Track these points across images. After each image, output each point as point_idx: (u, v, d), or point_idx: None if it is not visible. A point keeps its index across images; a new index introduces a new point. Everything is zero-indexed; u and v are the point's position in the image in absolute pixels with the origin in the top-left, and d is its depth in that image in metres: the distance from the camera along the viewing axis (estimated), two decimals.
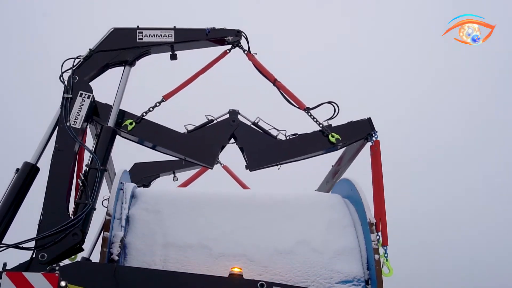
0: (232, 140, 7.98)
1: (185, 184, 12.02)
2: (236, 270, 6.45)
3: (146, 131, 7.76)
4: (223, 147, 7.93)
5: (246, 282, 6.32)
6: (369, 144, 8.17)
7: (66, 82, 7.43)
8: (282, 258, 7.50)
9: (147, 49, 8.05)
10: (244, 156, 7.87)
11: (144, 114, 7.77)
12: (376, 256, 7.37)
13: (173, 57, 8.28)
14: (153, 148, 7.95)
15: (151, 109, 7.83)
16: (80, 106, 7.32)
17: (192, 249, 7.46)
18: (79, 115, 7.26)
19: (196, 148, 7.76)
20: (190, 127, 7.90)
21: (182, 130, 7.90)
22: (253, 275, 7.02)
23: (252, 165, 7.79)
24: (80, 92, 7.39)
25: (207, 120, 7.96)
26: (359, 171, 8.27)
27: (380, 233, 7.49)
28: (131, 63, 7.95)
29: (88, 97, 7.38)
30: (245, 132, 7.94)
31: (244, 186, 11.84)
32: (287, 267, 7.42)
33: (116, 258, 6.99)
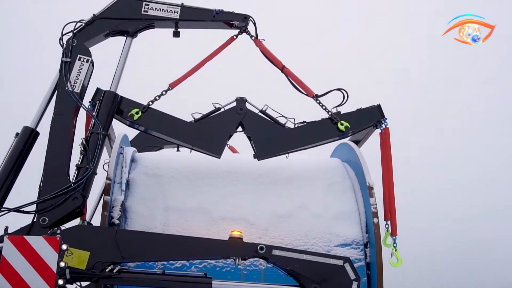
0: (240, 129, 7.82)
1: None
2: (236, 233, 6.48)
3: (153, 120, 7.59)
4: (230, 135, 7.78)
5: (246, 245, 6.37)
6: (378, 131, 8.03)
7: (65, 46, 7.38)
8: (282, 221, 7.56)
9: (150, 22, 7.88)
10: (252, 145, 7.73)
11: (151, 103, 7.59)
12: (375, 220, 7.41)
13: (176, 34, 8.05)
14: (160, 137, 7.85)
15: (157, 97, 7.65)
16: (79, 70, 7.25)
17: (192, 213, 7.52)
18: (78, 79, 7.21)
19: (203, 137, 7.59)
20: (197, 115, 7.73)
21: (189, 118, 7.76)
22: (253, 238, 7.08)
23: (260, 154, 7.65)
24: (79, 56, 7.32)
25: (214, 108, 7.77)
26: (367, 159, 8.18)
27: (389, 222, 7.47)
28: (133, 35, 7.82)
29: (87, 61, 7.32)
30: (253, 121, 7.74)
31: None
32: (287, 230, 7.49)
33: (117, 222, 7.05)
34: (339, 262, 6.36)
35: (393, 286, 8.02)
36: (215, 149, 7.56)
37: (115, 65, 7.61)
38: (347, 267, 6.34)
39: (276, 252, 6.30)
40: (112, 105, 7.22)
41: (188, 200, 7.66)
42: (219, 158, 7.55)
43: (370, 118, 7.95)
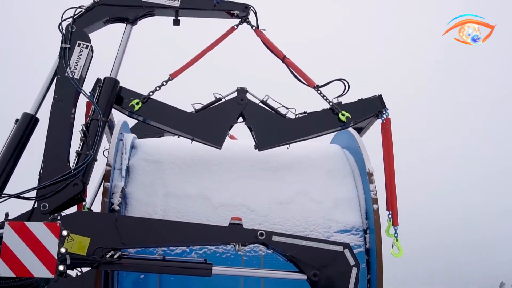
0: (241, 119, 7.73)
1: None
2: (236, 219, 6.49)
3: (153, 111, 7.54)
4: (231, 126, 7.72)
5: (245, 231, 6.39)
6: (379, 121, 7.98)
7: (64, 32, 7.34)
8: (282, 208, 7.58)
9: (150, 10, 7.81)
10: (252, 136, 7.70)
11: (151, 93, 7.52)
12: (375, 206, 7.43)
13: (176, 22, 7.97)
14: (160, 128, 7.80)
15: (158, 88, 7.58)
16: (78, 56, 7.23)
17: (192, 199, 7.53)
18: (77, 65, 7.19)
19: (204, 128, 7.54)
20: (198, 106, 7.65)
21: (190, 109, 7.69)
22: (253, 225, 7.09)
23: (261, 145, 7.61)
24: (78, 42, 7.28)
25: (215, 98, 7.68)
26: (367, 146, 8.15)
27: (391, 213, 7.47)
28: (133, 22, 7.75)
29: (87, 47, 7.29)
30: (254, 111, 7.67)
31: None
32: (286, 216, 7.50)
33: (117, 208, 7.06)
34: (339, 248, 6.40)
35: (392, 272, 8.06)
36: (216, 140, 7.51)
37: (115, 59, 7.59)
38: (347, 253, 6.37)
39: (276, 238, 6.32)
40: (112, 92, 7.20)
41: (188, 186, 7.67)
42: (220, 149, 7.51)
43: (371, 109, 7.90)
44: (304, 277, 6.32)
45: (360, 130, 8.42)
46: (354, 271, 6.32)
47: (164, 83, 7.61)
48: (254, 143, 7.62)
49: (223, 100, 7.65)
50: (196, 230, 6.48)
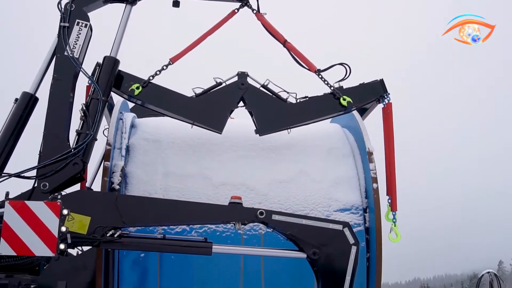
0: (241, 104, 7.71)
1: None
2: (236, 198, 6.50)
3: (153, 96, 7.48)
4: (231, 111, 7.67)
5: (245, 210, 6.41)
6: (381, 106, 7.92)
7: (63, 10, 7.28)
8: (282, 186, 7.59)
9: None
10: (253, 120, 7.67)
11: (151, 78, 7.47)
12: (375, 185, 7.45)
13: (176, 4, 7.87)
14: (160, 112, 7.72)
15: (158, 72, 7.53)
16: (77, 35, 7.18)
17: (192, 178, 7.54)
18: (76, 44, 7.15)
19: (205, 112, 7.50)
20: (198, 90, 7.60)
21: (190, 93, 7.63)
22: (253, 204, 7.11)
23: (261, 130, 7.59)
24: (77, 20, 7.23)
25: (215, 83, 7.64)
26: (368, 128, 8.12)
27: (390, 197, 7.45)
28: (132, 2, 7.67)
29: (85, 26, 7.23)
30: (255, 96, 7.63)
31: None
32: (286, 195, 7.52)
33: (117, 187, 7.07)
34: (338, 227, 6.42)
35: (392, 251, 8.09)
36: (216, 124, 7.48)
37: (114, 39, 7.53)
38: (346, 231, 6.40)
39: (275, 217, 6.34)
40: (112, 71, 7.17)
41: (188, 165, 7.67)
42: (221, 133, 7.48)
43: (373, 93, 7.85)
44: (303, 255, 6.36)
45: (365, 111, 8.38)
46: (353, 249, 6.35)
47: (164, 67, 7.56)
48: (255, 128, 7.59)
49: (223, 84, 7.60)
50: (196, 209, 6.50)
